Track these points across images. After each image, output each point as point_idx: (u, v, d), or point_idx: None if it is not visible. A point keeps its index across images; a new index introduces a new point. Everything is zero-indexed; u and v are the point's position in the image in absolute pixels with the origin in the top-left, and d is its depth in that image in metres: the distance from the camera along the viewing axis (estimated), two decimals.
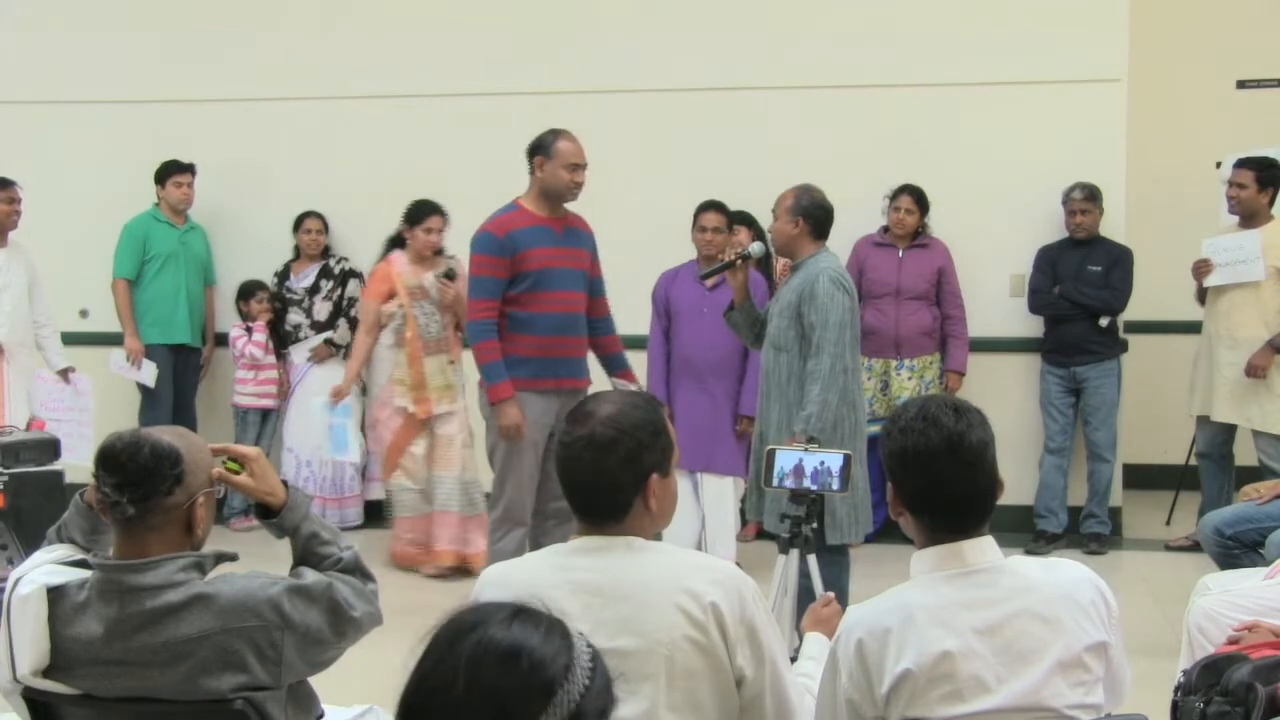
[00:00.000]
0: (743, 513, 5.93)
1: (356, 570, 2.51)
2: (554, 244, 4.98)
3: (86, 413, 6.33)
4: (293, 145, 7.21)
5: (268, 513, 2.53)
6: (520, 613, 1.50)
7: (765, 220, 6.00)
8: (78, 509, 2.49)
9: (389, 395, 6.19)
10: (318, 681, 2.51)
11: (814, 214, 4.61)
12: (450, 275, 5.98)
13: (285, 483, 2.54)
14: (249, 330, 6.99)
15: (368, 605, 2.45)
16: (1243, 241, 6.09)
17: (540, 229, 4.95)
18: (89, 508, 2.46)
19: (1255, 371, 5.98)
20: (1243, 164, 6.17)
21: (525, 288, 4.93)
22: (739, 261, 4.73)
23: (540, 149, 4.95)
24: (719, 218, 5.96)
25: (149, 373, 6.84)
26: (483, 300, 4.93)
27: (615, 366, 5.25)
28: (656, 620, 2.16)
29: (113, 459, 2.26)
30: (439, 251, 6.17)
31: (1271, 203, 6.14)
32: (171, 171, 6.99)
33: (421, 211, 6.12)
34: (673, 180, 6.64)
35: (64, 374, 6.43)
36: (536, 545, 5.00)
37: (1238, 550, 4.55)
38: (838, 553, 4.50)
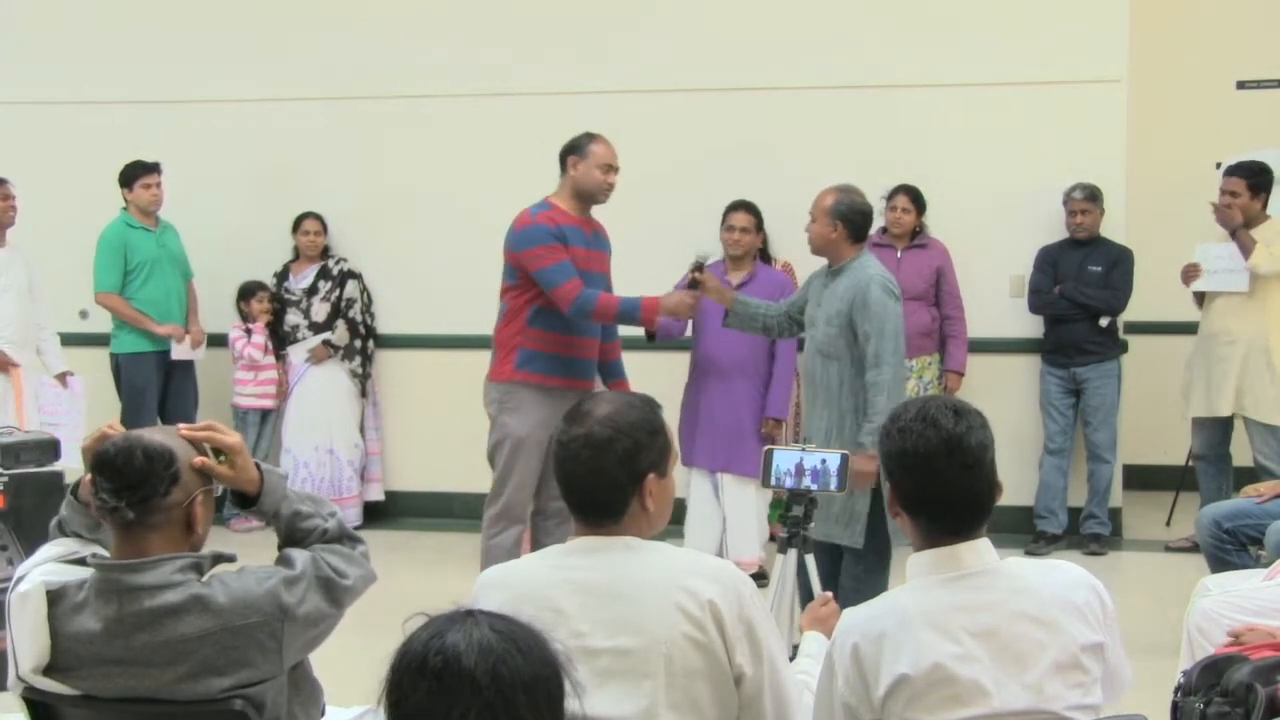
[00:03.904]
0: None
1: (343, 537, 2.53)
2: (585, 245, 4.98)
3: (79, 414, 6.31)
4: (293, 146, 7.21)
5: (244, 500, 2.51)
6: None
7: (769, 216, 6.02)
8: (72, 506, 2.48)
9: None
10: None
11: (852, 218, 4.54)
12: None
13: (259, 465, 2.51)
14: (248, 331, 7.00)
15: (359, 569, 2.48)
16: (1234, 250, 6.09)
17: (575, 228, 4.95)
18: (84, 505, 2.46)
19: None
20: (1233, 171, 6.16)
21: None
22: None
23: (575, 149, 4.95)
24: (748, 218, 5.95)
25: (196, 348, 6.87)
26: (566, 282, 4.81)
27: (611, 375, 5.27)
28: (655, 619, 2.16)
29: (107, 465, 2.25)
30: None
31: (1264, 207, 6.15)
32: (139, 173, 6.67)
33: None
34: (671, 181, 6.63)
35: (62, 378, 6.40)
36: (538, 545, 4.99)
37: (1231, 546, 4.56)
38: (882, 555, 4.46)
